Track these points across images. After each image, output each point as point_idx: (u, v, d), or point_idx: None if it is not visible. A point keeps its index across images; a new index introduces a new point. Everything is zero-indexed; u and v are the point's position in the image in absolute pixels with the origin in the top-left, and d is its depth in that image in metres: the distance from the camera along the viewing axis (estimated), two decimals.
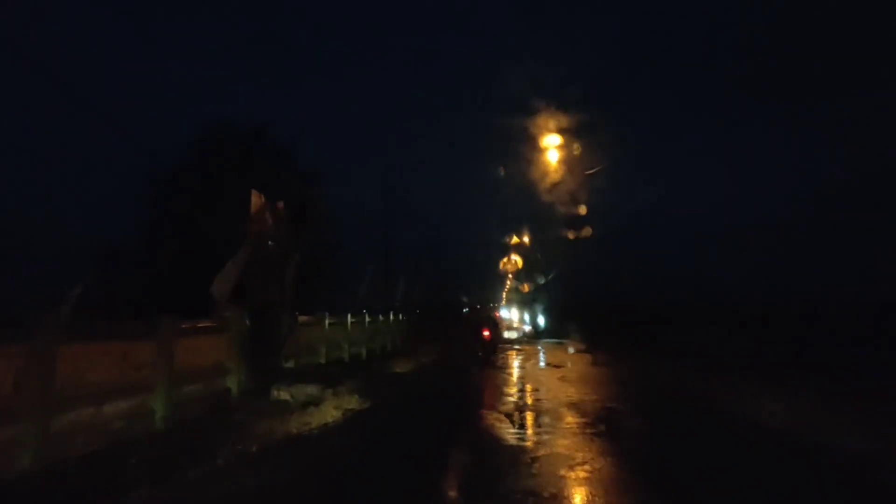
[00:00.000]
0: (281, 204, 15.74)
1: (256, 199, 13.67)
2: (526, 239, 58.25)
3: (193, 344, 10.71)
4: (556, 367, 17.42)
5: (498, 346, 29.29)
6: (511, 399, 11.10)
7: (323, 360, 17.77)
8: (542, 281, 41.71)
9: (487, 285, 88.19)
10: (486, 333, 27.68)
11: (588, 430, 7.95)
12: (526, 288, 56.91)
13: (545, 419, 8.85)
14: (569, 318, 30.39)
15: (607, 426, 8.28)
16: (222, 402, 11.15)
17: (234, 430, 8.88)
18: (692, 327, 26.70)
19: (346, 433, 8.52)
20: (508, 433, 7.85)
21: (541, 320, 30.66)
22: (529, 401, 10.78)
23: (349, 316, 20.67)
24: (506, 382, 13.82)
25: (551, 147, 32.26)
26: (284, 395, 12.35)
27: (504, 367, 17.66)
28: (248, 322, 12.50)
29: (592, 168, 32.38)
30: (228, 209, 16.64)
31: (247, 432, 8.76)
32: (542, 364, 18.50)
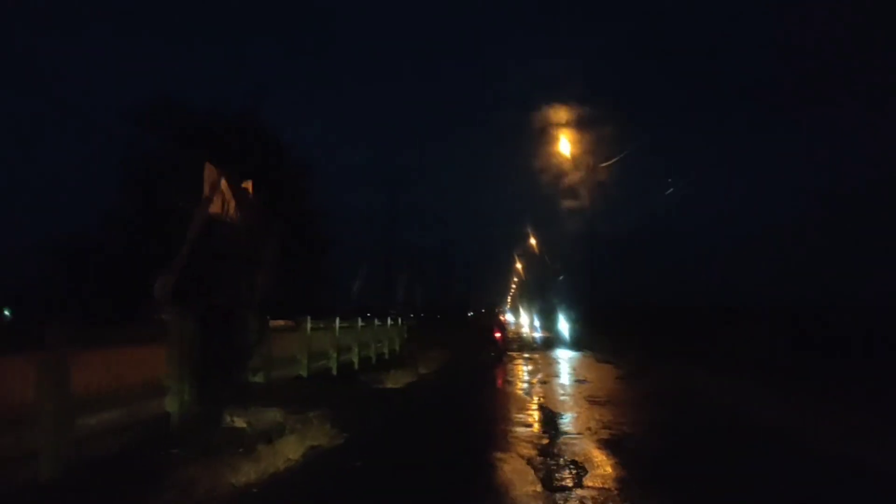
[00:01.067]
0: (249, 184, 13.08)
1: (211, 174, 11.01)
2: (533, 241, 55.74)
3: (114, 356, 8.11)
4: (580, 381, 14.74)
5: (507, 349, 27.50)
6: (531, 431, 8.43)
7: (304, 373, 15.15)
8: (555, 283, 39.03)
9: (493, 288, 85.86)
10: (498, 335, 29.15)
11: (653, 497, 5.32)
12: (531, 291, 54.23)
13: (584, 471, 6.17)
14: (586, 323, 27.56)
15: (678, 493, 5.62)
16: (156, 432, 8.55)
17: (147, 480, 6.26)
18: (723, 332, 24.07)
19: (296, 492, 5.87)
20: (535, 499, 5.20)
21: (563, 327, 27.28)
22: (556, 436, 8.09)
23: (338, 320, 18.01)
24: (521, 404, 11.14)
25: (564, 147, 30.09)
26: (240, 421, 9.70)
27: (517, 382, 14.97)
28: (195, 327, 9.86)
29: (607, 161, 30.15)
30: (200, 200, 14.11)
31: (161, 484, 6.14)
32: (561, 378, 15.80)
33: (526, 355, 24.78)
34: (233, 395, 10.69)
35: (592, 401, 11.14)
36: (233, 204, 12.03)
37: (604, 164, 30.53)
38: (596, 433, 8.13)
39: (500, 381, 14.86)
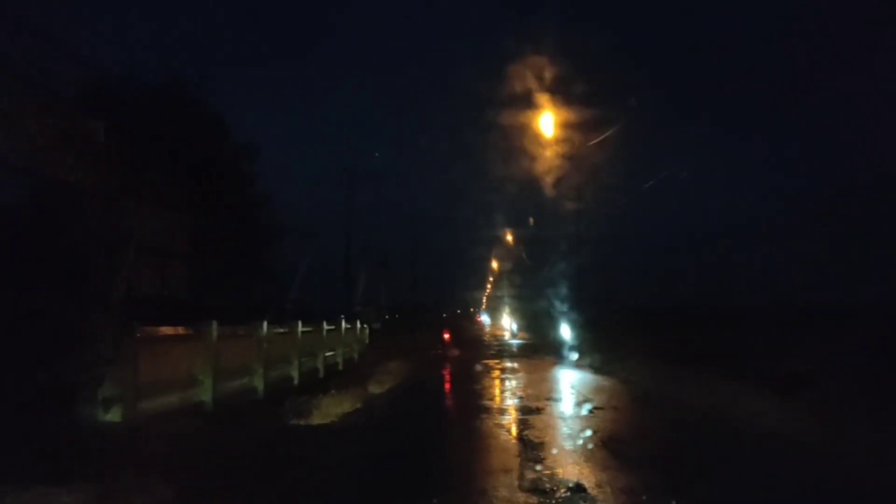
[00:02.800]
0: (99, 128, 8.88)
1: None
2: (510, 238, 51.84)
3: None
4: (586, 406, 10.77)
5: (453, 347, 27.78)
6: None
7: (207, 398, 11.01)
8: (539, 284, 35.08)
9: (470, 287, 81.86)
10: (447, 336, 32.66)
11: None
12: (514, 290, 50.43)
13: None
14: (576, 326, 23.37)
15: None
16: None
17: None
18: (730, 333, 20.40)
19: None
20: None
21: (564, 331, 22.31)
22: None
23: (265, 324, 13.78)
24: (507, 461, 7.02)
25: (547, 137, 26.90)
26: None
27: (496, 412, 10.86)
28: None
29: (595, 140, 26.93)
30: None
31: None
32: (561, 403, 11.72)
33: (508, 364, 20.73)
34: (41, 452, 6.55)
35: (619, 452, 7.09)
36: (56, 153, 7.81)
37: (592, 143, 27.19)
38: None
39: (473, 411, 10.77)
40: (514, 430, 8.62)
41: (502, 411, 10.70)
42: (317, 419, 9.67)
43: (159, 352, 10.07)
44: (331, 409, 10.46)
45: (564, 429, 8.80)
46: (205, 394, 10.99)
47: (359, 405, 11.41)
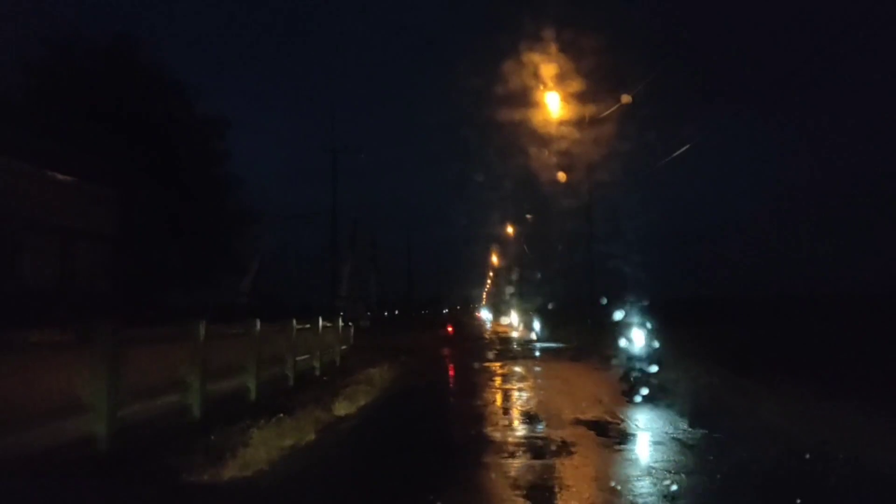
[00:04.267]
0: None
1: None
2: (510, 229, 48.73)
3: None
4: (646, 439, 7.55)
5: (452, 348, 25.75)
6: None
7: (101, 429, 7.85)
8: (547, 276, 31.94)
9: (471, 282, 78.93)
10: (450, 329, 35.65)
11: None
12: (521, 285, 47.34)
13: None
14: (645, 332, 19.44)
15: None
16: None
17: None
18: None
19: None
20: None
21: (637, 337, 15.75)
22: None
23: (202, 325, 10.53)
24: None
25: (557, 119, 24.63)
26: None
27: (501, 455, 7.66)
28: None
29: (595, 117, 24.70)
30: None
31: None
32: (603, 435, 8.40)
33: (518, 368, 17.60)
34: None
35: None
36: None
37: (596, 118, 24.97)
38: None
39: (472, 451, 7.57)
40: (535, 493, 5.42)
41: (509, 452, 7.44)
42: (236, 468, 6.48)
43: (21, 367, 6.96)
44: (263, 449, 7.26)
45: (625, 496, 5.56)
46: (97, 423, 7.81)
47: (311, 437, 8.22)
